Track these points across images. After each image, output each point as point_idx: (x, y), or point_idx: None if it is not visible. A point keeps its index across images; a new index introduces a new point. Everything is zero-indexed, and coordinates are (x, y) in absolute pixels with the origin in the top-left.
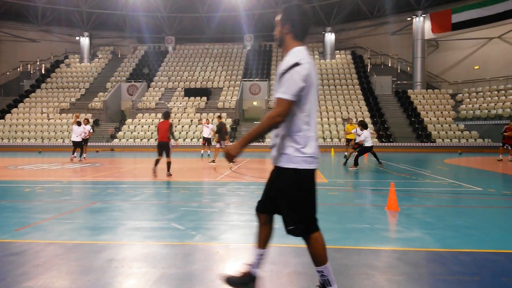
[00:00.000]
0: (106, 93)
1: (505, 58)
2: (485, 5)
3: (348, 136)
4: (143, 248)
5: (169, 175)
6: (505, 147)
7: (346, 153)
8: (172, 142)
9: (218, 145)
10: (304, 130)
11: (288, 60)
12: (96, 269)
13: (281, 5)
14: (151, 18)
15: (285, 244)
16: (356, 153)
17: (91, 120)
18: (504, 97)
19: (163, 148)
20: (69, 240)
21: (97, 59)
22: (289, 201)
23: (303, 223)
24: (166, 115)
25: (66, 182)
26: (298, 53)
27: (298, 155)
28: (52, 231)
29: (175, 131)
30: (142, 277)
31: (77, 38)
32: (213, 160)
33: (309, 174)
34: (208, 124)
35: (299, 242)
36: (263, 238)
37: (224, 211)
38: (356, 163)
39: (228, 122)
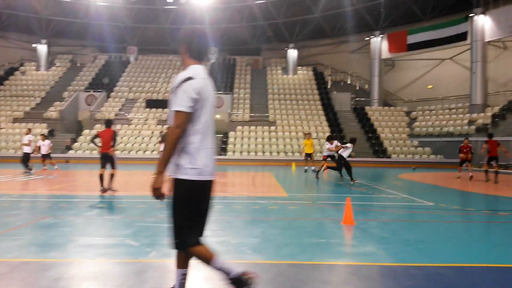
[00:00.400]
0: (63, 103)
1: (456, 79)
2: (437, 28)
3: (307, 151)
4: (94, 266)
5: (113, 190)
6: (463, 166)
7: (306, 168)
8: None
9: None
10: (199, 142)
11: (182, 75)
12: None
13: (246, 19)
14: (113, 28)
15: (241, 260)
16: (330, 166)
17: (45, 131)
18: (455, 116)
19: (107, 160)
20: (14, 258)
21: (55, 67)
22: (179, 212)
23: (186, 236)
24: (109, 123)
25: (16, 195)
26: (193, 69)
27: (191, 167)
28: None
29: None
30: None
31: (34, 45)
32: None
33: (203, 186)
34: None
35: (251, 258)
36: (182, 258)
37: None
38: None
39: None
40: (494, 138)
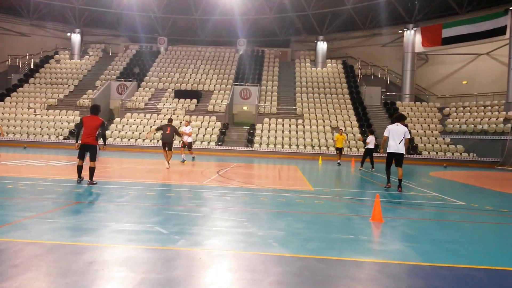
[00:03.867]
0: (95, 91)
1: (492, 75)
2: (474, 21)
3: (338, 145)
4: (124, 252)
5: (91, 183)
6: None
7: (338, 161)
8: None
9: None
10: None
11: None
12: (76, 271)
13: (275, 11)
14: (144, 18)
15: (267, 252)
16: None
17: (78, 118)
18: (490, 113)
19: (87, 150)
20: (49, 240)
21: (88, 56)
22: None
23: None
24: (95, 110)
25: (49, 180)
26: None
27: None
28: (32, 230)
29: (107, 130)
30: (122, 281)
31: (68, 34)
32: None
33: None
34: (187, 126)
35: (281, 251)
36: None
37: (209, 216)
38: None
39: (218, 126)
40: None
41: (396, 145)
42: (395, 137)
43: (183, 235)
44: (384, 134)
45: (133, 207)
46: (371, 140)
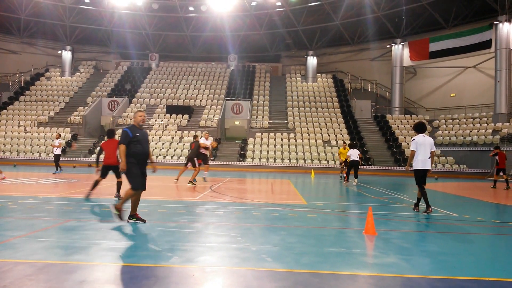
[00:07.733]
0: (86, 108)
1: (480, 87)
2: (460, 35)
3: (342, 158)
4: (116, 270)
5: (119, 196)
6: (500, 174)
7: (343, 175)
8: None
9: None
10: None
11: None
12: None
13: (265, 27)
14: (135, 35)
15: (261, 267)
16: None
17: (69, 135)
18: (479, 125)
19: (111, 170)
20: (39, 259)
21: (79, 73)
22: None
23: None
24: (112, 133)
25: (40, 198)
26: None
27: None
28: (22, 250)
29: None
30: None
31: (59, 51)
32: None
33: None
34: (207, 139)
35: (275, 266)
36: None
37: (202, 232)
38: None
39: (210, 140)
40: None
41: (425, 161)
42: (423, 150)
43: (176, 252)
44: (411, 148)
45: (125, 224)
46: (352, 153)
